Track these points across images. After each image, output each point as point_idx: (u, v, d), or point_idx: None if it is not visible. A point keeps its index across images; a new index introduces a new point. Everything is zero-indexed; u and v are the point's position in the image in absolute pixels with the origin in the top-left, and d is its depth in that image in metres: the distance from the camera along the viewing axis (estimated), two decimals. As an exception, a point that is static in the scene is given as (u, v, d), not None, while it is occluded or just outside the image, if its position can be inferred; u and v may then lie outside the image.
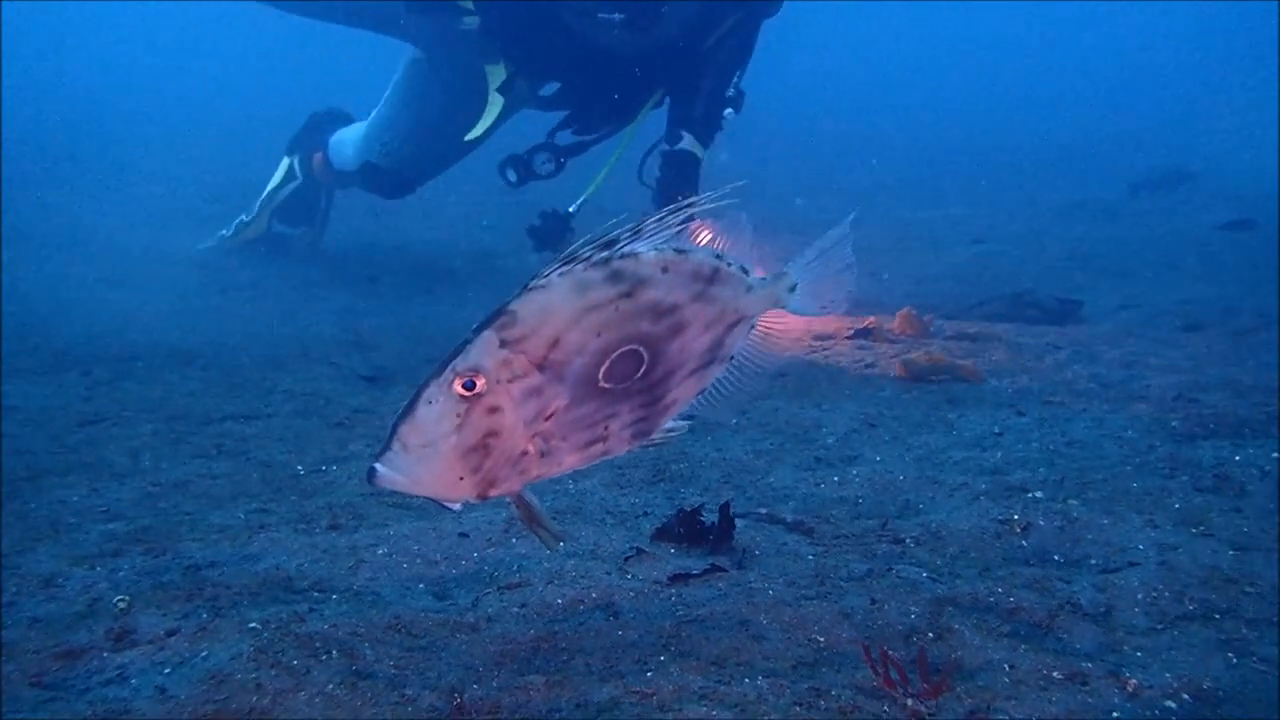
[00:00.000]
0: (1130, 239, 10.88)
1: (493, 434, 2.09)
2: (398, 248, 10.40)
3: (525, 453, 2.14)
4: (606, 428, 2.21)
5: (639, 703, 2.17)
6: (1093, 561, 3.05)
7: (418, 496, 2.19)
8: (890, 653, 2.23)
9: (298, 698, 2.24)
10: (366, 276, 8.95)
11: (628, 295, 2.12)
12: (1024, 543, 3.20)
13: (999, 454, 4.08)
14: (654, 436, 2.30)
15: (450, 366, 2.08)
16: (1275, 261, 9.03)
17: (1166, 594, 2.78)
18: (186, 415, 4.87)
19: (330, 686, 2.27)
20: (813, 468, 4.04)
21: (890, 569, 2.92)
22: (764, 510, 3.43)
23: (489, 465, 2.11)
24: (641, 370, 2.18)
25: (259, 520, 3.51)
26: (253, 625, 2.55)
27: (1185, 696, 2.24)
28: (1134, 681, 2.27)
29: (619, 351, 2.14)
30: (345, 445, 4.48)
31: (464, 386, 2.07)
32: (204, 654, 2.44)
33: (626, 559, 2.99)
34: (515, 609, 2.74)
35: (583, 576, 2.89)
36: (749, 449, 4.34)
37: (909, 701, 2.13)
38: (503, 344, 2.08)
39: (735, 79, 6.30)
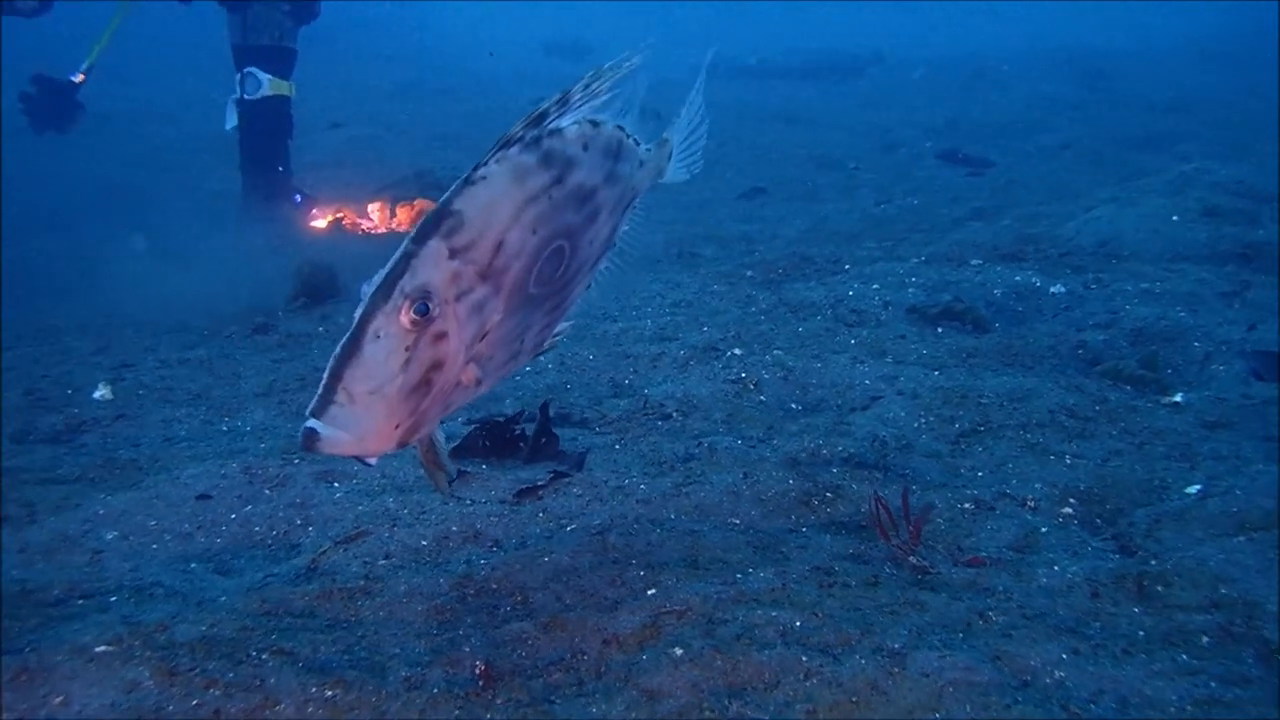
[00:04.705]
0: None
1: (436, 366, 1.76)
2: None
3: (459, 383, 1.83)
4: (522, 340, 1.96)
5: (680, 621, 1.95)
6: (839, 403, 3.26)
7: (350, 458, 1.78)
8: (884, 506, 2.23)
9: (277, 711, 1.74)
10: None
11: (559, 181, 1.88)
12: (762, 398, 3.33)
13: (647, 322, 4.14)
14: (546, 343, 2.07)
15: (398, 288, 1.71)
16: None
17: (931, 418, 3.07)
18: None
19: (315, 690, 1.78)
20: (483, 361, 3.81)
21: (702, 443, 2.90)
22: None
23: (425, 405, 1.78)
24: (561, 268, 1.93)
25: None
26: (102, 649, 1.88)
27: (1071, 500, 2.53)
28: (1031, 499, 2.51)
29: (549, 249, 1.89)
30: None
31: (416, 312, 1.71)
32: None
33: (449, 482, 2.63)
34: (382, 562, 2.32)
35: (423, 511, 2.52)
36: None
37: (912, 559, 2.16)
38: (452, 254, 1.76)
39: None
